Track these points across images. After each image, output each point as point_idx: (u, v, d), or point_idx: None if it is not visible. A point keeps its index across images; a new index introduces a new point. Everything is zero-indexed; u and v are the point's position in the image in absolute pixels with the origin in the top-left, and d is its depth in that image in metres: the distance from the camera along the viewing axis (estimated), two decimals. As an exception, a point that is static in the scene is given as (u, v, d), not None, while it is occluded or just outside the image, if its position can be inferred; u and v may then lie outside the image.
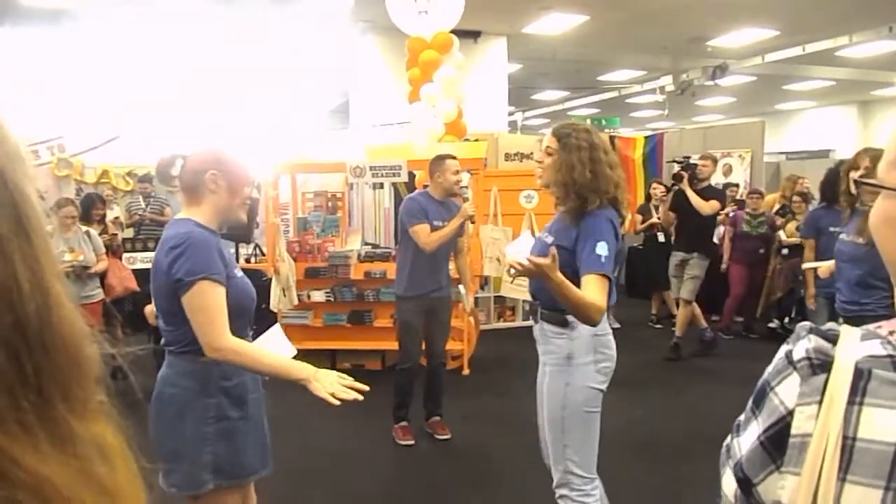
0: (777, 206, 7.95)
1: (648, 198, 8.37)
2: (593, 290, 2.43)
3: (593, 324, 2.47)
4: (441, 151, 6.71)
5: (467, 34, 9.66)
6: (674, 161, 7.17)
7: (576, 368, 2.61)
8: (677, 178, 6.59)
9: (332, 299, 6.53)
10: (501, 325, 8.35)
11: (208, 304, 2.08)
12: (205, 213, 2.22)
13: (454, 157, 4.73)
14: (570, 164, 2.55)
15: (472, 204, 4.61)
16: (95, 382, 0.45)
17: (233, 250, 7.59)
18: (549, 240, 2.60)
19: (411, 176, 6.80)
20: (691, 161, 6.74)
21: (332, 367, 6.62)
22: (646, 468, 4.24)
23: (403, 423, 4.73)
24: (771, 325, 7.63)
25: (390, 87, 9.34)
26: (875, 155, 3.50)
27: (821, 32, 11.19)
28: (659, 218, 7.60)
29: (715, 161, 6.91)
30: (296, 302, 6.22)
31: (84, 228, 5.63)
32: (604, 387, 2.66)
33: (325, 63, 11.46)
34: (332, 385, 2.02)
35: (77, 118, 9.19)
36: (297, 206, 7.33)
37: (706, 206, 6.43)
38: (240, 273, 2.30)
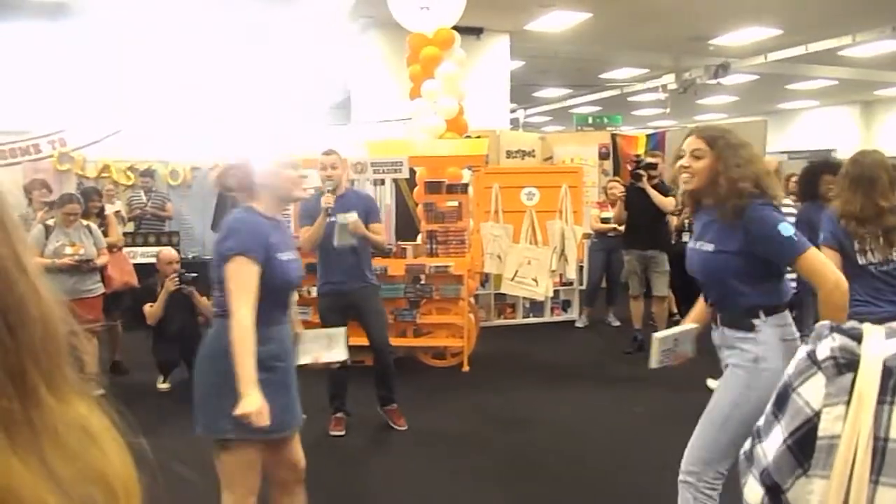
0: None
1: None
2: (813, 271, 2.41)
3: (846, 302, 2.41)
4: (441, 148, 6.74)
5: (469, 31, 9.64)
6: (631, 160, 7.23)
7: (762, 373, 2.43)
8: (636, 176, 6.62)
9: (332, 295, 6.51)
10: (502, 321, 8.34)
11: (237, 278, 2.42)
12: (261, 203, 2.59)
13: (329, 153, 4.60)
14: (729, 164, 2.50)
15: (329, 196, 4.43)
16: (71, 365, 0.45)
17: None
18: (710, 247, 2.56)
19: (412, 172, 6.79)
20: (647, 160, 6.78)
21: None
22: (646, 464, 4.25)
23: (338, 415, 4.75)
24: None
25: (392, 84, 9.34)
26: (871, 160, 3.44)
27: (823, 32, 11.18)
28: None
29: (663, 158, 7.02)
30: (296, 297, 6.22)
31: (85, 223, 5.64)
32: None
33: (326, 59, 11.45)
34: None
35: (78, 112, 9.19)
36: (298, 201, 7.32)
37: (668, 203, 6.53)
38: (286, 257, 2.58)
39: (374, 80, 10.20)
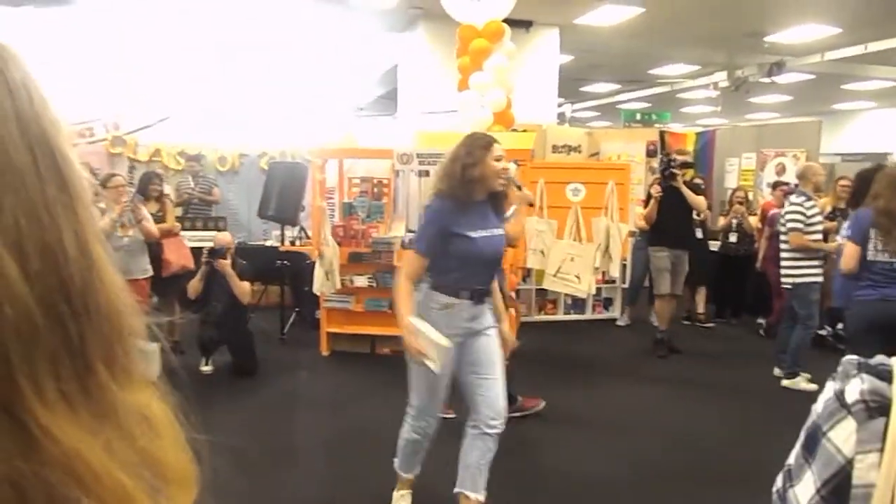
0: (828, 209, 7.68)
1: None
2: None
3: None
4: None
5: (519, 24, 9.56)
6: (664, 159, 7.18)
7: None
8: (671, 176, 6.55)
9: (374, 285, 6.56)
10: (543, 317, 8.31)
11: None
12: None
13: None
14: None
15: (525, 189, 3.88)
16: (134, 351, 0.45)
17: (277, 232, 7.69)
18: (501, 231, 3.28)
19: (458, 165, 6.78)
20: (681, 160, 6.71)
21: (372, 353, 6.69)
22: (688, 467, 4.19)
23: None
24: (821, 332, 7.34)
25: (440, 75, 9.32)
26: None
27: (884, 31, 10.83)
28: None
29: (692, 157, 7.03)
30: (339, 286, 6.27)
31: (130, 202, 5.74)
32: None
33: (375, 49, 11.48)
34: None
35: (132, 97, 9.36)
36: (343, 190, 7.38)
37: (701, 202, 6.60)
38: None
39: (423, 71, 10.19)
